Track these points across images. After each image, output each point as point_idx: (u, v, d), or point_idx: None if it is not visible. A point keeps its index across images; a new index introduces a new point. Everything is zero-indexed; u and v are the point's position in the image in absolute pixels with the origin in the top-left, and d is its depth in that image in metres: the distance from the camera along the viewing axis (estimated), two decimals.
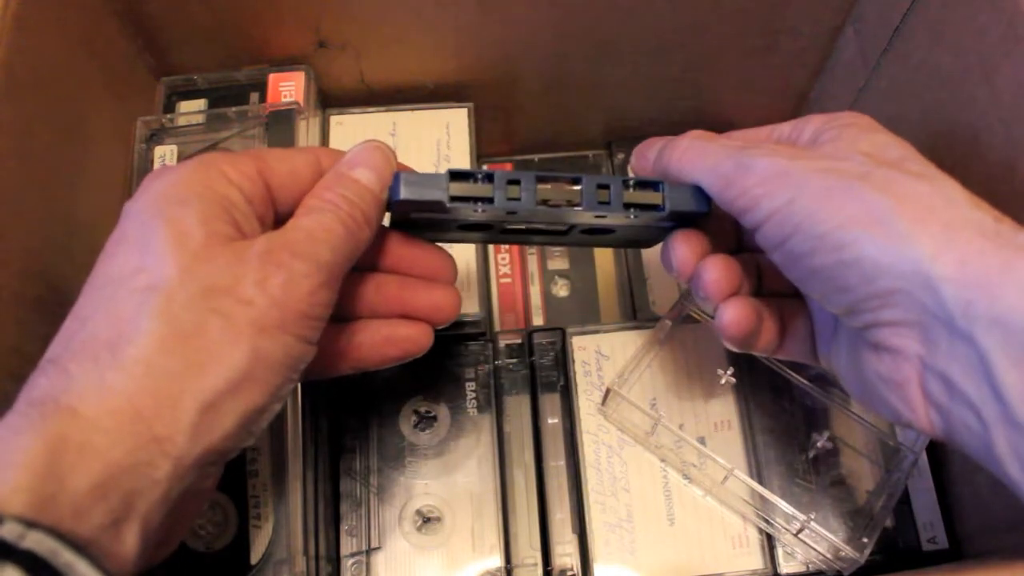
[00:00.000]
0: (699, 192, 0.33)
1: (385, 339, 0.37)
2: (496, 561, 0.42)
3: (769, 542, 0.42)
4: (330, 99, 0.52)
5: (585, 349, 0.46)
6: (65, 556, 0.22)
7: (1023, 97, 0.36)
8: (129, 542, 0.25)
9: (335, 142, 0.49)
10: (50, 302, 0.35)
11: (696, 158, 0.33)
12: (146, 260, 0.28)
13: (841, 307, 0.29)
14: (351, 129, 0.50)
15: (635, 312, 0.49)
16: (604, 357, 0.46)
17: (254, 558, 0.38)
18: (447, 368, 0.47)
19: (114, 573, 0.24)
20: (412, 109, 0.49)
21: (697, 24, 0.48)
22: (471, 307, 0.45)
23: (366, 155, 0.33)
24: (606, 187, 0.32)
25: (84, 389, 0.26)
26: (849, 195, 0.28)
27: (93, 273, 0.29)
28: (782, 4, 0.48)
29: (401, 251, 0.37)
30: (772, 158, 0.30)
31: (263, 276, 0.28)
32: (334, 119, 0.50)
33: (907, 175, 0.28)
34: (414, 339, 0.37)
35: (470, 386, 0.46)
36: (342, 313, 0.36)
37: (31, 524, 0.22)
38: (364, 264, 0.36)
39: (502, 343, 0.47)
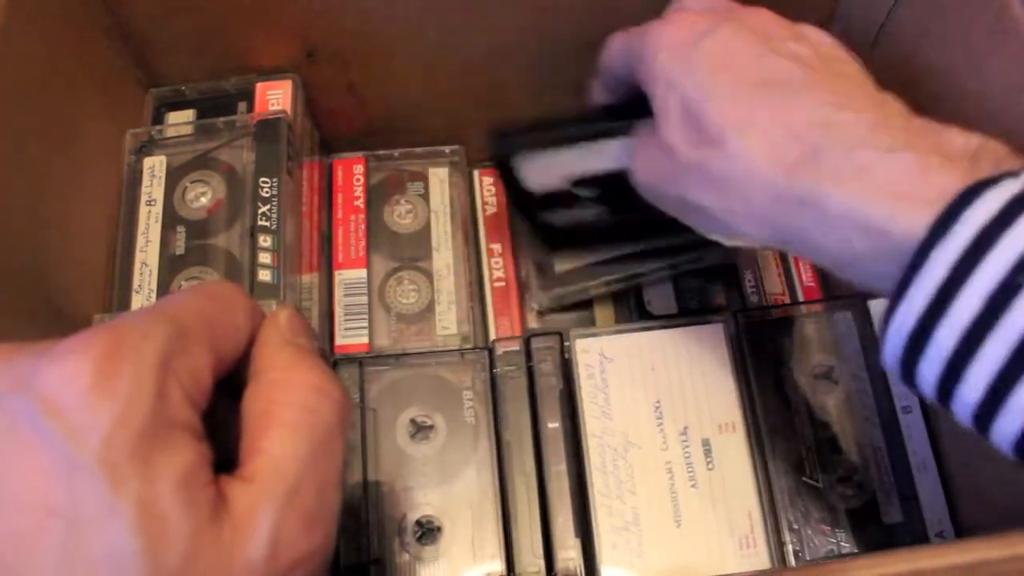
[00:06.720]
0: None
1: None
2: (498, 569, 0.42)
3: (777, 542, 0.42)
4: (318, 109, 0.51)
5: (588, 352, 0.46)
6: None
7: (1012, 89, 0.37)
8: None
9: None
10: (44, 314, 0.34)
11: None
12: None
13: None
14: None
15: (631, 314, 0.49)
16: (608, 360, 0.46)
17: None
18: (443, 377, 0.46)
19: None
20: None
21: None
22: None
23: (298, 322, 0.28)
24: None
25: None
26: None
27: None
28: (764, 5, 0.48)
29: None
30: None
31: None
32: None
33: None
34: None
35: (467, 395, 0.46)
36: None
37: None
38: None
39: (499, 350, 0.46)
